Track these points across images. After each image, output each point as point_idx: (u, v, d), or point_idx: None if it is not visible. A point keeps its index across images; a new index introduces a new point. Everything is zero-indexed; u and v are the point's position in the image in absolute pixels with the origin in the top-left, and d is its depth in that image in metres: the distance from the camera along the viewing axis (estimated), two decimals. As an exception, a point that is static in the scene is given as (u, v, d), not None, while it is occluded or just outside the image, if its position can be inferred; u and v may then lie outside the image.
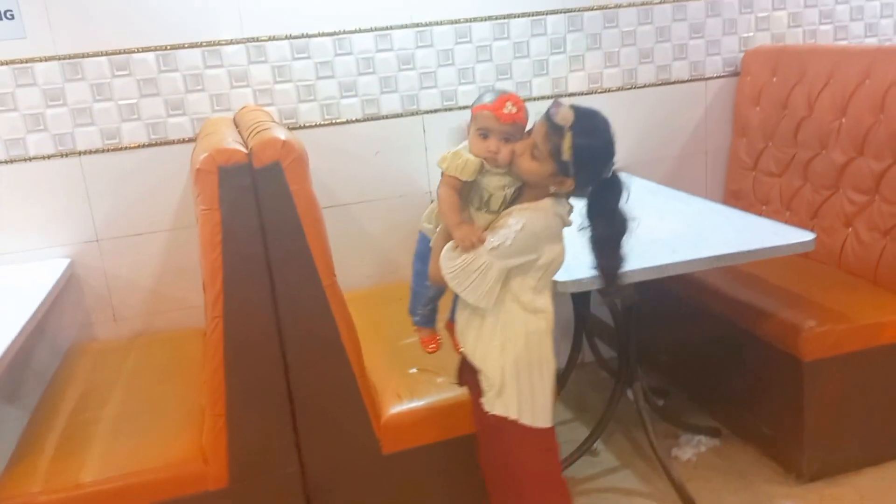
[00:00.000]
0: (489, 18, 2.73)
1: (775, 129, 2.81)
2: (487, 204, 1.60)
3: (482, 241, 1.56)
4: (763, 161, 2.89)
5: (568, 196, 1.62)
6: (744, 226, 2.15)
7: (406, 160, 2.76)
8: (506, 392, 1.66)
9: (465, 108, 2.71)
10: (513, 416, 1.66)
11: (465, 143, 1.62)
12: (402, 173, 2.77)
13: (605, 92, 2.91)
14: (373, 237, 2.79)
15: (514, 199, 1.64)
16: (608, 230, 1.61)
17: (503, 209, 1.62)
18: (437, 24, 2.69)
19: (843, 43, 3.11)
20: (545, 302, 1.65)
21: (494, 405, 1.67)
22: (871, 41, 3.15)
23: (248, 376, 1.76)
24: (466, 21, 2.71)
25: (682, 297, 2.56)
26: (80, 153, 2.48)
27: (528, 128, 1.60)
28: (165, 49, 2.48)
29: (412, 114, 2.74)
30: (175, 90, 2.52)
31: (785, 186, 2.78)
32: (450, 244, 1.60)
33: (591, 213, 1.61)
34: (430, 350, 1.84)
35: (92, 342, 2.59)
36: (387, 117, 2.72)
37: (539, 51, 2.81)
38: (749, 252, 1.94)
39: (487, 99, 1.56)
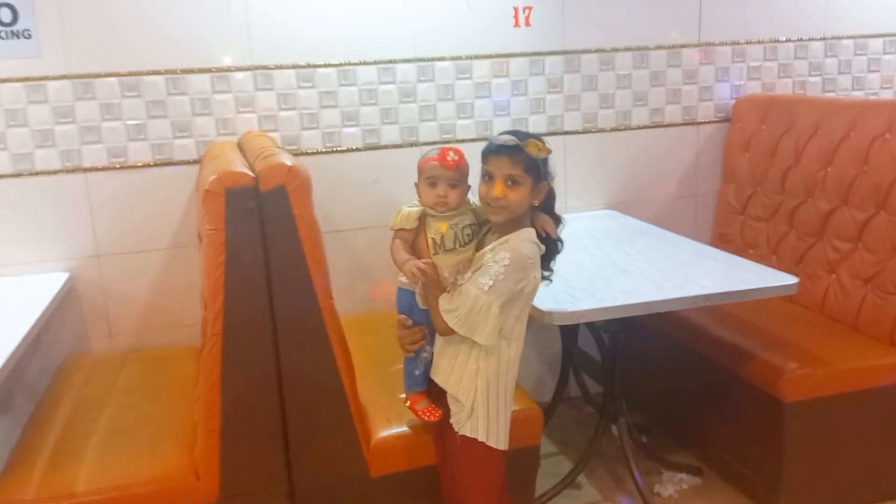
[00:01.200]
0: (490, 56, 2.82)
1: (764, 175, 2.90)
2: (443, 244, 1.72)
3: (426, 269, 1.67)
4: (751, 206, 2.98)
5: (542, 205, 1.73)
6: (730, 268, 2.22)
7: (403, 190, 2.78)
8: (476, 414, 1.74)
9: (462, 141, 2.82)
10: (481, 437, 1.74)
11: (409, 206, 1.78)
12: (399, 202, 2.78)
13: (599, 132, 2.99)
14: (368, 264, 2.84)
15: (477, 237, 1.77)
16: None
17: (461, 246, 1.74)
18: (439, 59, 2.77)
19: (832, 95, 3.21)
20: (521, 329, 1.74)
21: (465, 426, 1.74)
22: (858, 94, 3.26)
23: (244, 393, 1.80)
24: (468, 58, 2.80)
25: (667, 335, 2.62)
26: (85, 170, 2.53)
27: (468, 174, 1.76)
28: (175, 73, 2.55)
29: (411, 145, 2.81)
30: (182, 113, 2.58)
31: (772, 232, 2.86)
32: (442, 297, 1.70)
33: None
34: (437, 418, 1.85)
35: (86, 356, 2.62)
36: (386, 147, 2.79)
37: (537, 90, 2.90)
38: (734, 293, 2.01)
39: (430, 153, 1.75)
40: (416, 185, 1.80)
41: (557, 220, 1.76)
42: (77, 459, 1.89)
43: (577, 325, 2.62)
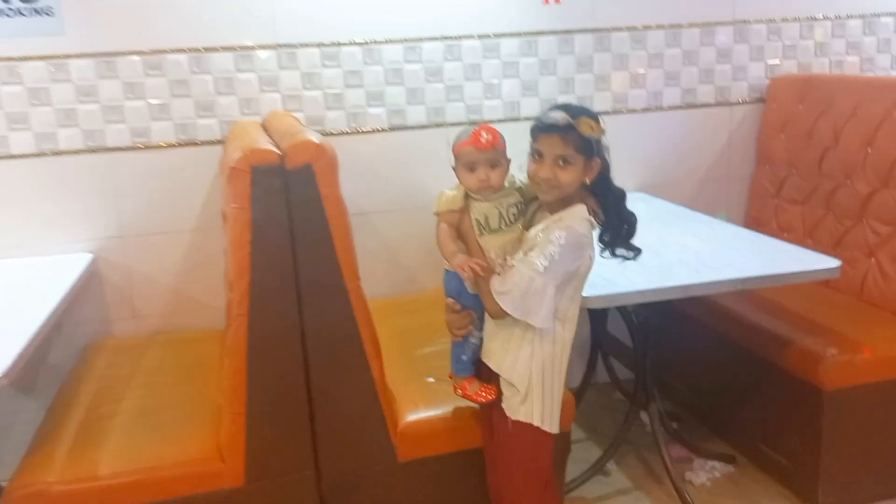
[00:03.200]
0: (518, 35, 2.76)
1: (800, 157, 2.82)
2: (487, 225, 1.67)
3: (480, 267, 1.63)
4: (786, 189, 2.89)
5: (596, 180, 1.65)
6: (767, 250, 2.15)
7: (429, 172, 2.77)
8: (531, 398, 1.69)
9: (489, 121, 2.75)
10: (536, 422, 1.70)
11: (450, 189, 1.73)
12: (425, 185, 2.77)
13: (630, 112, 2.92)
14: (393, 247, 2.80)
15: (523, 215, 1.72)
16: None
17: (507, 225, 1.68)
18: (466, 37, 2.71)
19: (870, 74, 3.11)
20: (575, 310, 1.69)
21: (518, 411, 1.70)
22: (869, 74, 3.15)
23: (270, 376, 1.76)
24: (495, 36, 2.73)
25: (700, 321, 2.55)
26: (108, 150, 2.50)
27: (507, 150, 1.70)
28: (198, 51, 2.51)
29: (437, 126, 2.75)
30: (206, 92, 2.54)
31: (808, 215, 2.78)
32: (494, 279, 1.66)
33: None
34: (494, 397, 1.78)
35: (110, 338, 2.60)
36: (412, 128, 2.74)
37: (566, 69, 2.83)
38: (774, 276, 1.94)
39: (463, 135, 1.68)
40: (453, 169, 1.74)
41: (618, 195, 1.68)
42: (100, 442, 1.86)
43: (606, 309, 2.56)
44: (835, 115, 2.67)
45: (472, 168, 1.68)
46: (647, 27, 2.87)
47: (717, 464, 2.48)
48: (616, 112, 2.90)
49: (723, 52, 2.97)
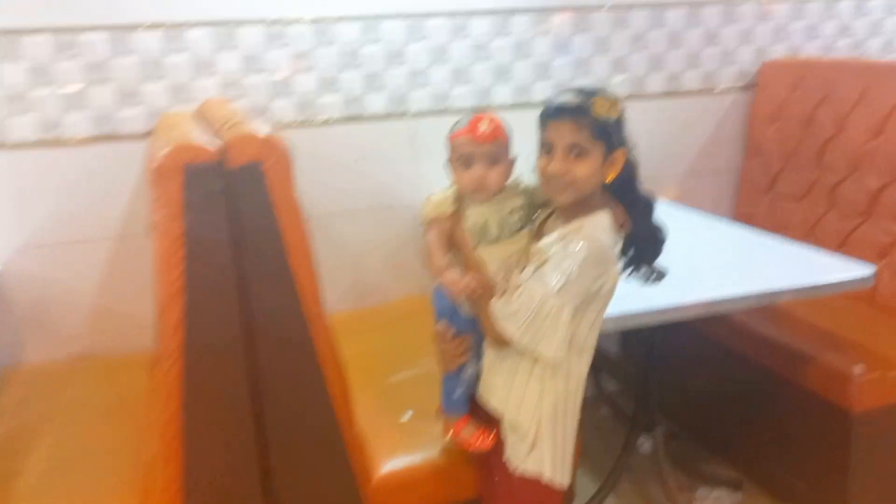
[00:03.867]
0: (489, 13, 2.44)
1: (796, 149, 2.58)
2: (485, 234, 1.41)
3: (478, 284, 1.35)
4: (780, 183, 2.66)
5: (620, 180, 1.37)
6: (787, 257, 1.89)
7: (392, 168, 2.45)
8: (540, 446, 1.40)
9: (460, 111, 2.43)
10: (547, 474, 1.40)
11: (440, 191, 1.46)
12: (388, 182, 2.45)
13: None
14: (354, 254, 2.46)
15: (530, 223, 1.45)
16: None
17: (510, 235, 1.41)
18: (431, 15, 2.39)
19: (872, 58, 2.89)
20: (594, 338, 1.41)
21: (525, 461, 1.40)
22: (890, 58, 2.95)
23: (212, 427, 1.41)
24: (464, 14, 2.42)
25: (701, 332, 2.28)
26: (12, 146, 2.10)
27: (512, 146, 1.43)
28: (119, 29, 2.12)
29: (400, 116, 2.42)
30: (128, 77, 2.16)
31: (807, 212, 2.54)
32: (497, 299, 1.37)
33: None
34: (491, 444, 1.49)
35: (21, 367, 2.20)
36: (371, 119, 2.40)
37: (542, 52, 2.53)
38: (807, 289, 1.68)
39: (459, 124, 1.42)
40: (447, 164, 1.45)
41: (647, 203, 1.40)
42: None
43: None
44: (837, 102, 2.43)
45: (467, 163, 1.40)
46: (630, 6, 2.59)
47: (723, 492, 2.22)
48: (597, 100, 2.61)
49: (710, 35, 2.71)
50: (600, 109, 1.30)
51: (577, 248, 1.28)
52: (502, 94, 2.50)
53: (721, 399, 2.31)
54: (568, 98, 1.32)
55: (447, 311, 1.46)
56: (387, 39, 2.36)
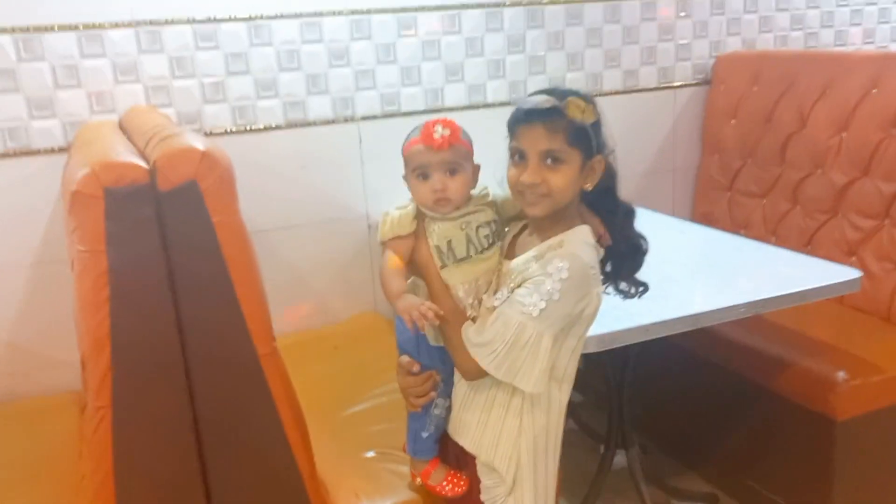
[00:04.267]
0: (438, 9, 2.29)
1: (756, 145, 2.50)
2: (451, 253, 1.26)
3: (431, 313, 1.19)
4: (741, 180, 2.58)
5: (599, 197, 1.26)
6: (765, 261, 1.80)
7: (339, 176, 2.27)
8: (520, 488, 1.27)
9: (410, 114, 2.28)
10: None
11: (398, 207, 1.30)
12: (335, 192, 2.27)
13: (565, 99, 2.51)
14: (299, 271, 2.28)
15: (499, 238, 1.31)
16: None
17: (479, 252, 1.27)
18: (376, 11, 2.22)
19: (823, 49, 2.85)
20: (574, 365, 1.28)
21: None
22: (839, 49, 2.91)
23: (151, 489, 1.22)
24: (412, 10, 2.26)
25: (673, 341, 2.17)
26: None
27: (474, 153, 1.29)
28: (28, 31, 1.90)
29: (346, 120, 2.25)
30: (41, 85, 1.94)
31: (769, 209, 2.47)
32: (468, 326, 1.24)
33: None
34: (462, 490, 1.36)
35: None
36: (315, 124, 2.23)
37: (495, 49, 2.39)
38: (791, 296, 1.58)
39: (414, 133, 1.28)
40: (404, 178, 1.30)
41: (627, 212, 1.28)
42: None
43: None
44: (799, 96, 2.36)
45: (424, 175, 1.25)
46: (584, 0, 2.47)
47: (699, 508, 2.12)
48: (552, 98, 2.49)
49: (665, 29, 2.62)
50: (575, 112, 1.17)
51: (558, 269, 1.15)
52: (455, 95, 2.35)
53: (695, 410, 2.20)
54: (540, 101, 1.18)
55: (411, 342, 1.31)
56: (329, 38, 2.19)
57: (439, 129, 1.23)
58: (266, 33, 2.12)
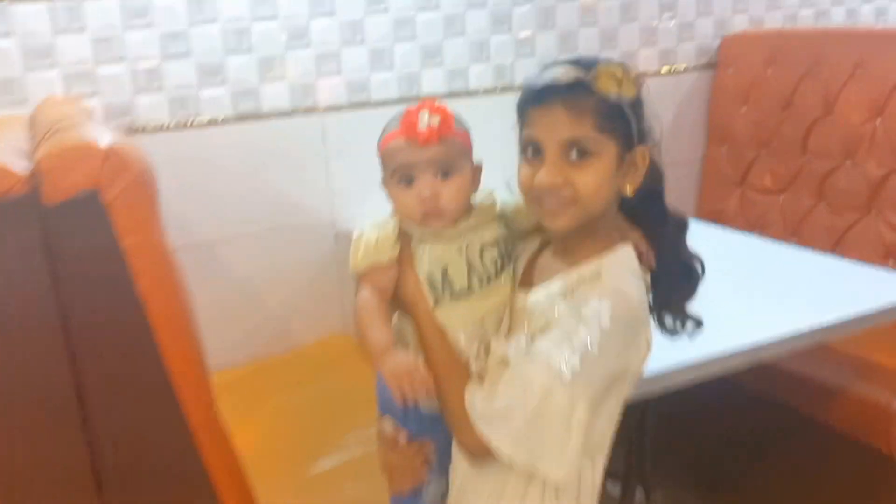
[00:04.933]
0: (412, -20, 1.97)
1: (773, 134, 2.22)
2: (448, 285, 0.95)
3: (426, 383, 0.89)
4: (755, 174, 2.30)
5: (643, 204, 0.95)
6: (817, 272, 1.51)
7: (299, 178, 1.94)
8: None
9: (380, 104, 1.96)
10: None
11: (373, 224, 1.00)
12: (295, 196, 1.94)
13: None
14: (254, 289, 1.94)
15: (511, 260, 1.00)
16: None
17: (485, 283, 0.96)
18: (340, -16, 1.90)
19: (853, 26, 2.58)
20: (611, 433, 0.96)
21: None
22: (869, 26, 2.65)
23: None
24: (381, -18, 1.94)
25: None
26: None
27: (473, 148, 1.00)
28: None
29: (307, 111, 1.92)
30: (-72, 70, 1.59)
31: (790, 207, 2.19)
32: (473, 388, 0.92)
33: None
34: None
35: None
36: (270, 116, 1.89)
37: (478, 28, 2.07)
38: (863, 318, 1.29)
39: (391, 124, 0.98)
40: (382, 183, 1.00)
41: (679, 225, 0.97)
42: None
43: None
44: (824, 77, 2.08)
45: (408, 179, 0.95)
46: (576, -30, 2.17)
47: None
48: (543, 84, 2.18)
49: (667, 5, 2.32)
50: (609, 85, 0.87)
51: (598, 312, 0.85)
52: (433, 81, 2.03)
53: (729, 443, 1.90)
54: (559, 73, 0.88)
55: (396, 404, 0.99)
56: (285, 14, 1.85)
57: (426, 116, 0.92)
58: (210, 8, 1.79)
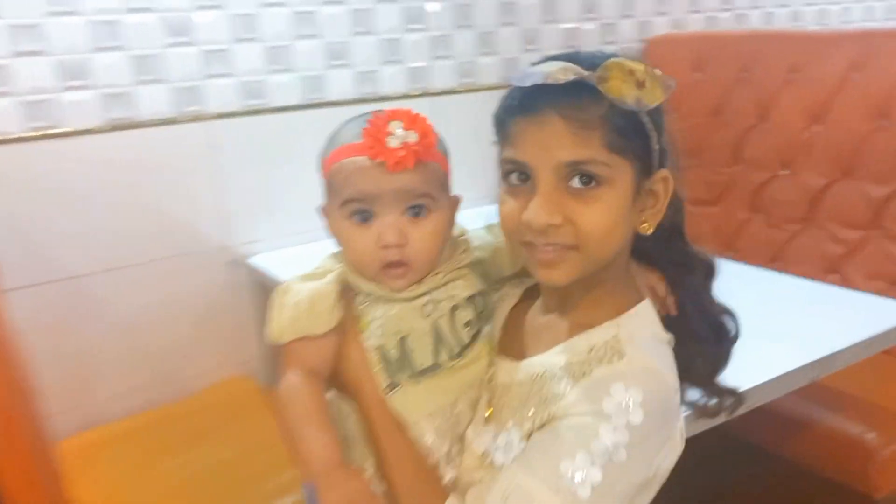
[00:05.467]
0: (313, -31, 1.73)
1: (704, 142, 2.09)
2: (407, 361, 0.73)
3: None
4: (685, 185, 2.16)
5: (663, 243, 0.78)
6: (777, 292, 1.36)
7: (185, 196, 1.66)
8: None
9: (280, 110, 1.71)
10: None
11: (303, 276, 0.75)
12: (180, 218, 1.66)
13: (475, 90, 1.99)
14: (135, 327, 1.65)
15: (485, 319, 0.77)
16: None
17: (454, 356, 0.73)
18: (229, -29, 1.64)
19: (784, 28, 2.51)
20: None
21: None
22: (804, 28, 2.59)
23: None
24: (278, -30, 1.69)
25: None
26: None
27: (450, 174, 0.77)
28: None
29: (192, 119, 1.64)
30: None
31: (723, 219, 2.06)
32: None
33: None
34: None
35: None
36: (148, 124, 1.60)
37: (389, 25, 1.85)
38: (860, 346, 1.14)
39: (347, 133, 0.73)
40: (322, 212, 0.76)
41: (706, 268, 0.77)
42: None
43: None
44: (758, 83, 1.96)
45: (364, 216, 0.73)
46: (494, -36, 1.98)
47: None
48: (458, 90, 1.97)
49: (588, 5, 2.17)
50: (623, 87, 0.67)
51: (624, 406, 0.64)
52: (340, 85, 1.79)
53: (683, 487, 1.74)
54: (553, 70, 0.66)
55: None
56: (164, 6, 1.57)
57: (399, 130, 0.69)
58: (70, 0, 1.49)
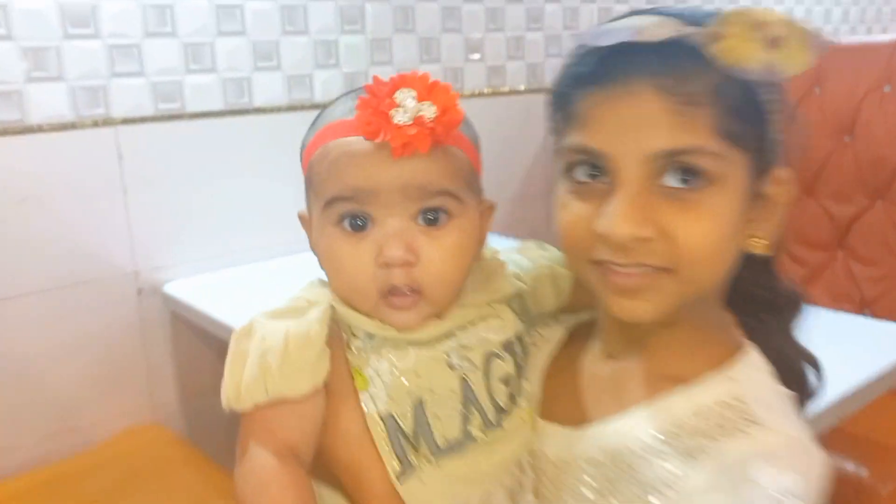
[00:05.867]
0: (239, -41, 1.53)
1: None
2: (428, 431, 0.54)
3: None
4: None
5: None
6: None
7: (87, 213, 1.42)
8: None
9: (199, 116, 1.50)
10: None
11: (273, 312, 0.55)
12: (80, 240, 1.42)
13: (416, 101, 1.84)
14: (29, 366, 1.39)
15: (523, 376, 0.58)
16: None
17: (491, 425, 0.55)
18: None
19: None
20: None
21: None
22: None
23: None
24: (201, -42, 1.49)
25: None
26: None
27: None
28: None
29: (95, 124, 1.41)
30: None
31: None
32: None
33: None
34: None
35: None
36: (42, 129, 1.37)
37: (323, 26, 1.67)
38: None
39: (338, 109, 0.55)
40: (301, 221, 0.55)
41: (793, 301, 0.61)
42: None
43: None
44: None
45: (358, 221, 0.53)
46: (437, -35, 1.83)
47: None
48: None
49: (533, 15, 2.05)
50: (744, 46, 0.48)
51: (779, 493, 0.47)
52: (268, 88, 1.59)
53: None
54: (645, 25, 0.48)
55: None
56: (64, -10, 1.35)
57: (410, 101, 0.50)
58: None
